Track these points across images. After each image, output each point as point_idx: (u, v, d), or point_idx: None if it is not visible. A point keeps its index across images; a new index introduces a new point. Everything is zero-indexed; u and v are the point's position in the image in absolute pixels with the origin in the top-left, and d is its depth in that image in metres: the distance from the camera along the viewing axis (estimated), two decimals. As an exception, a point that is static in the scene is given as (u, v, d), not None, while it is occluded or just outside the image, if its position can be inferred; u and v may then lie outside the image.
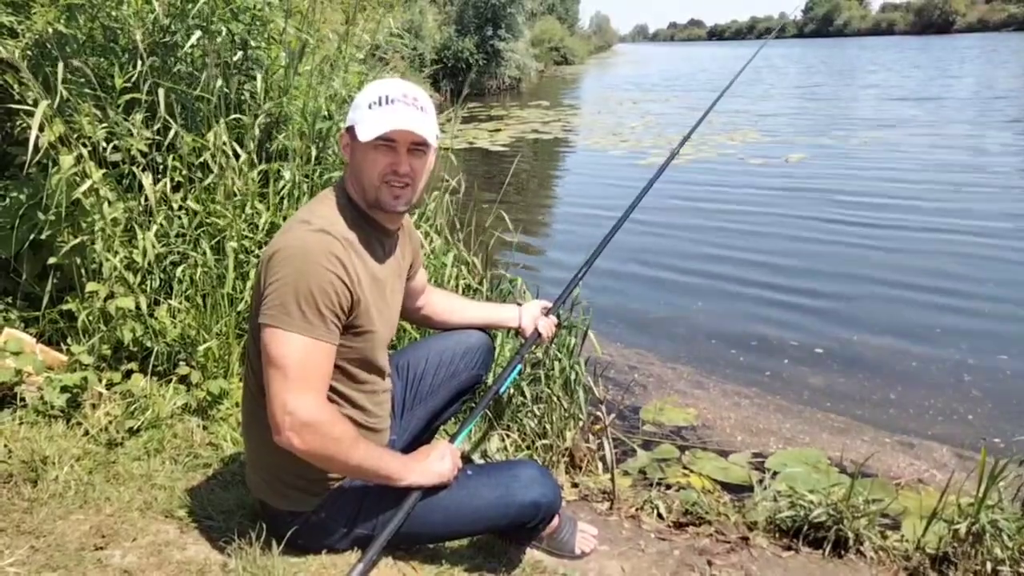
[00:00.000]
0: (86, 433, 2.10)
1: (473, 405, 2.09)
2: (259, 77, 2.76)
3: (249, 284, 2.53)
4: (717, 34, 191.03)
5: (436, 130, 1.51)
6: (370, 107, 1.46)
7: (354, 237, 1.49)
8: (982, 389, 3.39)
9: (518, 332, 2.04)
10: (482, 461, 2.32)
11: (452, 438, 1.69)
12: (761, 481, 2.36)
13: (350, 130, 1.51)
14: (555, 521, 1.79)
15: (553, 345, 2.65)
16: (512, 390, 2.55)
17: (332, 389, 1.52)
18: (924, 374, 3.57)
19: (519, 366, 1.87)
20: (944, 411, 3.22)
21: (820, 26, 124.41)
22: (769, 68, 31.51)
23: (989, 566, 1.87)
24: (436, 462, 1.55)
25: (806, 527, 2.02)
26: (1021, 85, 18.05)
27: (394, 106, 1.46)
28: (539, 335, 2.00)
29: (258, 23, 2.91)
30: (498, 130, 13.08)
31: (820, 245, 5.72)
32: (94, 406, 2.17)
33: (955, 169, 8.26)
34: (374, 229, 1.56)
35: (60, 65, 2.21)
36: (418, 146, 1.50)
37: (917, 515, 2.25)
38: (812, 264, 5.29)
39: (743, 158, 9.56)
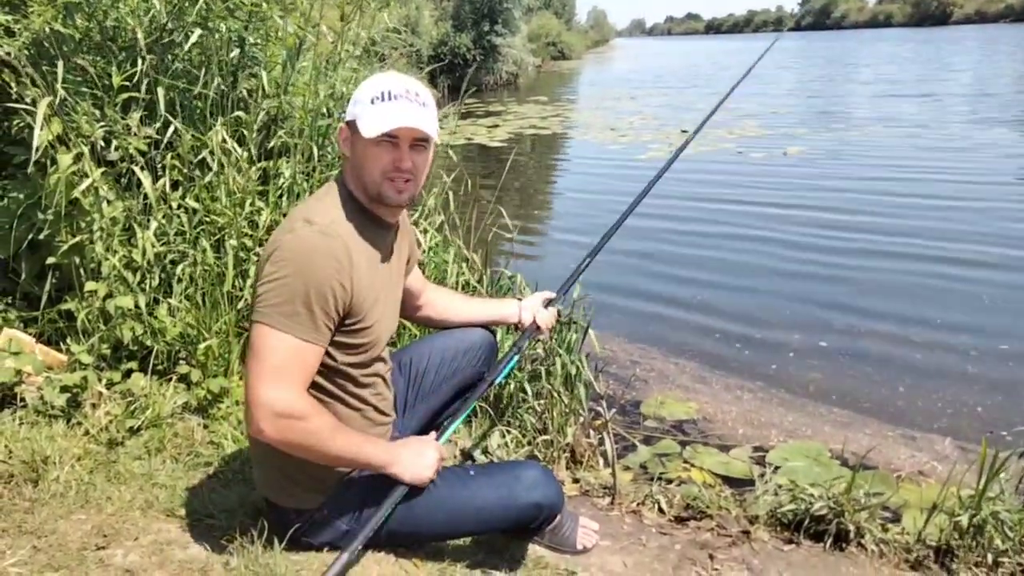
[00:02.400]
0: (86, 433, 2.10)
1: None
2: (263, 74, 2.75)
3: (249, 282, 2.52)
4: (714, 28, 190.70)
5: (437, 125, 1.51)
6: (372, 102, 1.46)
7: (356, 235, 1.49)
8: (986, 380, 3.39)
9: (519, 327, 2.04)
10: (484, 458, 2.32)
11: (440, 430, 1.68)
12: (762, 475, 2.36)
13: (351, 124, 1.50)
14: (556, 517, 1.79)
15: (553, 340, 2.65)
16: (512, 386, 2.56)
17: (335, 387, 1.53)
18: (928, 366, 3.57)
19: (516, 357, 1.87)
20: (949, 403, 3.22)
21: (817, 19, 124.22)
22: (764, 65, 31.46)
23: (991, 557, 1.87)
24: (416, 459, 1.54)
25: (807, 520, 2.02)
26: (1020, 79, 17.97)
27: (397, 102, 1.45)
28: (537, 327, 1.99)
29: (255, 19, 2.90)
30: (496, 126, 13.06)
31: (822, 238, 5.71)
32: (94, 406, 2.17)
33: (956, 162, 8.26)
34: (374, 223, 1.55)
35: (60, 63, 2.20)
36: (420, 141, 1.50)
37: (918, 508, 2.25)
38: (816, 257, 5.28)
39: (742, 152, 9.56)
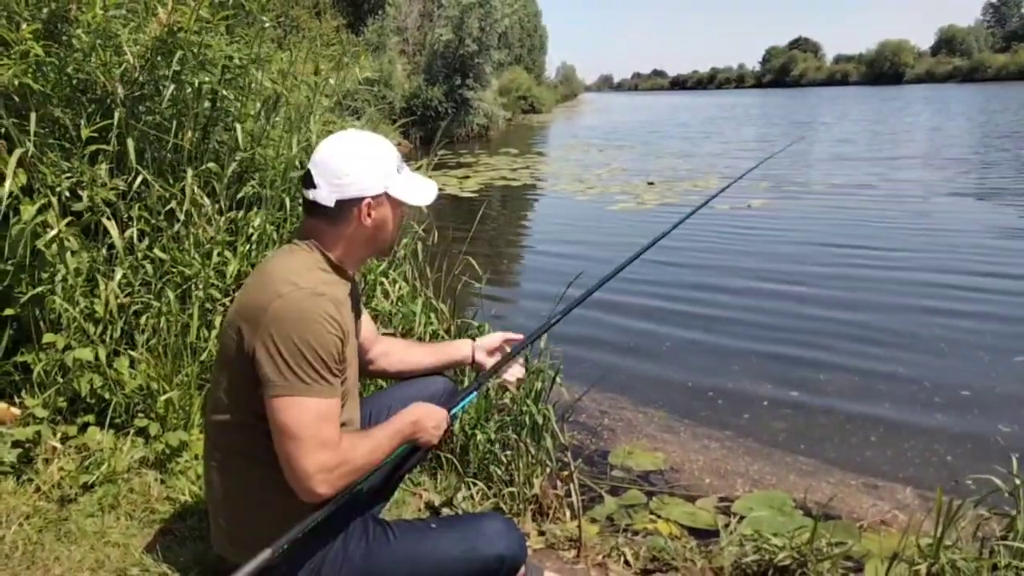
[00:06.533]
0: (37, 490, 2.04)
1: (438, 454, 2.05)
2: (238, 127, 2.78)
3: (214, 333, 2.50)
4: (679, 84, 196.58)
5: None
6: (399, 171, 1.57)
7: (337, 292, 1.52)
8: (955, 429, 3.44)
9: (475, 367, 2.01)
10: (448, 511, 2.29)
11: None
12: (727, 525, 2.37)
13: (379, 196, 1.54)
14: (521, 571, 1.77)
15: (521, 390, 2.66)
16: (479, 437, 2.55)
17: None
18: (899, 416, 3.60)
19: (474, 394, 1.86)
20: (919, 452, 3.25)
21: (777, 76, 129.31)
22: (726, 119, 32.52)
23: (949, 606, 1.89)
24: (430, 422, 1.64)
25: (771, 571, 2.03)
26: (972, 141, 18.71)
27: (407, 167, 1.61)
28: (498, 371, 1.95)
29: (229, 73, 2.94)
30: (467, 177, 13.24)
31: (792, 288, 5.83)
32: (47, 461, 2.11)
33: (913, 217, 8.57)
34: (344, 279, 1.59)
35: (33, 116, 2.22)
36: None
37: (879, 557, 2.27)
38: (787, 307, 5.37)
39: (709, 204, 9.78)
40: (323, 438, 1.41)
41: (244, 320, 1.45)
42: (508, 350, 2.01)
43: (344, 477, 1.44)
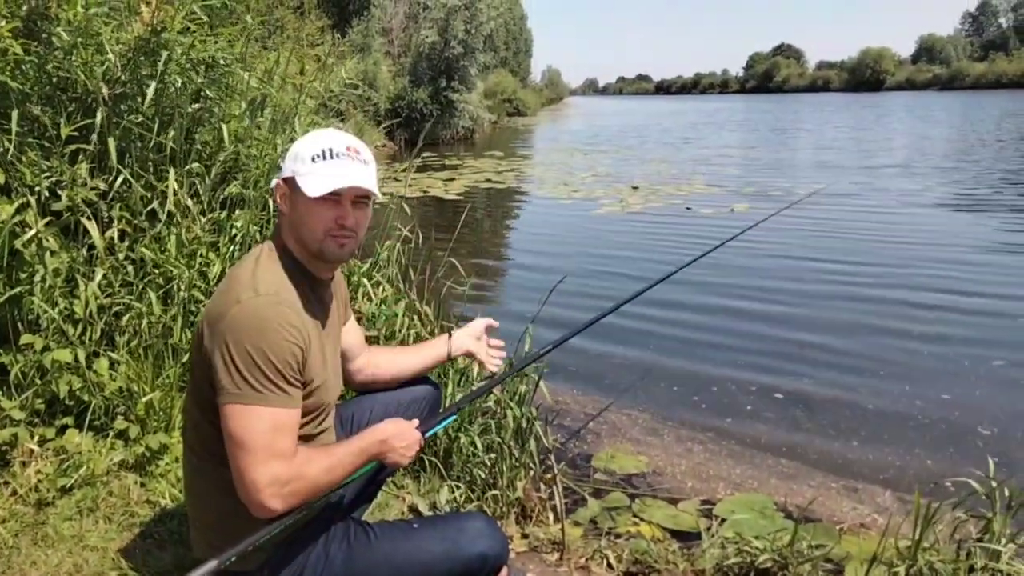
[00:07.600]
0: (14, 493, 2.01)
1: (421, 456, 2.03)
2: (224, 128, 2.76)
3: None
4: (664, 88, 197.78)
5: (376, 182, 1.53)
6: (314, 160, 1.45)
7: (301, 298, 1.48)
8: (936, 431, 3.47)
9: (464, 356, 2.00)
10: (430, 513, 2.29)
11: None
12: (709, 528, 2.38)
13: (289, 181, 1.48)
14: (503, 573, 1.77)
15: (504, 392, 2.66)
16: (463, 440, 2.55)
17: None
18: (881, 419, 3.64)
19: (452, 417, 1.84)
20: (900, 455, 3.27)
21: (760, 82, 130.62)
22: (710, 124, 32.74)
23: (927, 608, 1.92)
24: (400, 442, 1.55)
25: (752, 573, 2.05)
26: (954, 149, 18.91)
27: (340, 160, 1.46)
28: (481, 363, 1.96)
29: (213, 73, 2.92)
30: (452, 179, 13.24)
31: (776, 294, 5.86)
32: (24, 464, 2.08)
33: (896, 225, 8.64)
34: (312, 282, 1.55)
35: (14, 113, 2.19)
36: (362, 198, 1.51)
37: (859, 559, 2.29)
38: (771, 312, 5.40)
39: (691, 208, 9.86)
40: (275, 449, 1.35)
41: (206, 325, 1.42)
42: (487, 336, 2.02)
43: (298, 493, 1.37)
